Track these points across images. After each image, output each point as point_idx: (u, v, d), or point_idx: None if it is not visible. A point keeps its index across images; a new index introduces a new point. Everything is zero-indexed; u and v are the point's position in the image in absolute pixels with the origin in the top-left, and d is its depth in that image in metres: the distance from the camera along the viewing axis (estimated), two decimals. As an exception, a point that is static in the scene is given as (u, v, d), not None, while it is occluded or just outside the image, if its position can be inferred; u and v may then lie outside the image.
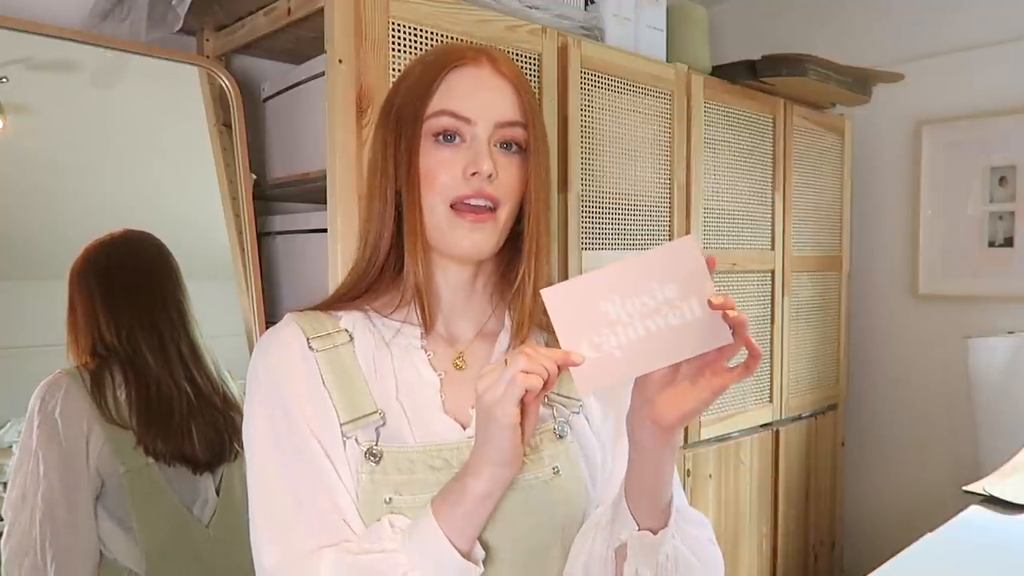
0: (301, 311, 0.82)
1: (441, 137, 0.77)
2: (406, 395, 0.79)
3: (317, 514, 0.73)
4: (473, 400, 0.78)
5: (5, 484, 1.20)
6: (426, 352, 0.82)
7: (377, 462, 0.75)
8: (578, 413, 0.85)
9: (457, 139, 0.77)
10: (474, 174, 0.76)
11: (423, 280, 0.79)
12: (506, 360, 0.65)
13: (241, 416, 1.36)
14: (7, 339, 1.21)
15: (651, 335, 0.65)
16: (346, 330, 0.80)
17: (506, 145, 0.79)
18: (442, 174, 0.77)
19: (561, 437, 0.81)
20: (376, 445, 0.75)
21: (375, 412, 0.76)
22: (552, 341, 0.84)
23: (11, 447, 1.21)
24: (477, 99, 0.76)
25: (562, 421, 0.83)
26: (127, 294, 1.29)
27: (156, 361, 1.29)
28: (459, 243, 0.78)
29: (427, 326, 0.81)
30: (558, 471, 0.79)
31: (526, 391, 0.64)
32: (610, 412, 0.86)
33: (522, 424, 0.67)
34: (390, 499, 0.74)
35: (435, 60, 0.79)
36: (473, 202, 0.77)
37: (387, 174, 0.80)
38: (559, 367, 0.65)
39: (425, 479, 0.75)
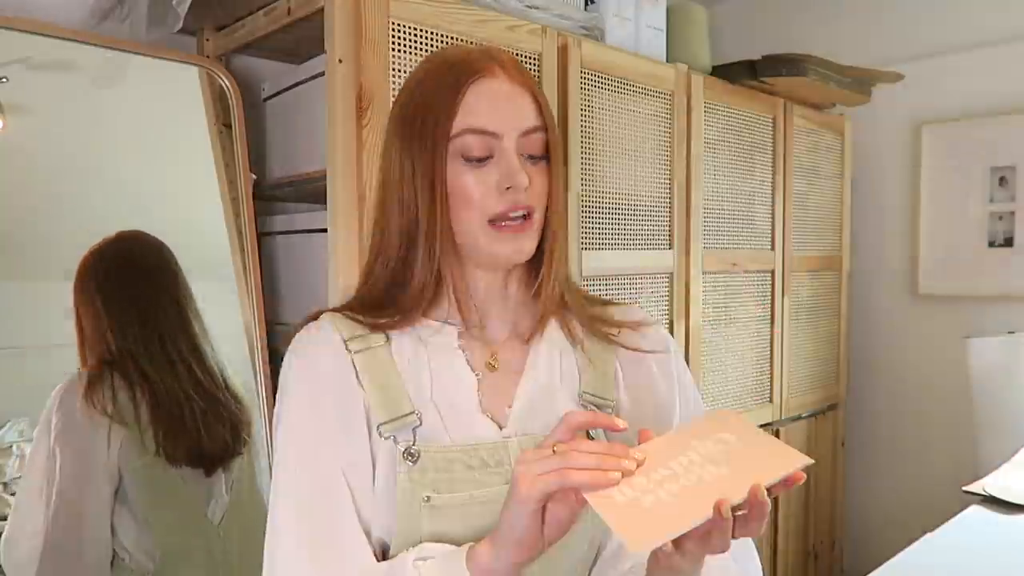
0: (337, 311, 0.83)
1: (474, 159, 0.77)
2: (442, 394, 0.79)
3: (333, 531, 0.73)
4: (509, 400, 0.81)
5: (4, 484, 1.20)
6: (463, 352, 0.82)
7: (415, 462, 0.75)
8: (612, 414, 0.84)
9: (487, 156, 0.77)
10: (508, 188, 0.76)
11: (461, 289, 0.81)
12: (554, 448, 0.64)
13: (242, 406, 1.38)
14: (7, 339, 1.21)
15: (695, 487, 0.62)
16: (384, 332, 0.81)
17: (532, 158, 0.79)
18: (477, 191, 0.76)
19: (593, 439, 0.79)
20: (414, 445, 0.76)
21: (412, 413, 0.77)
22: (595, 348, 0.86)
23: (12, 447, 1.21)
24: (500, 113, 0.76)
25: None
26: (128, 297, 1.29)
27: (162, 361, 1.29)
28: (501, 253, 0.78)
29: (466, 325, 0.82)
30: None
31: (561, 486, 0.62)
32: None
33: (548, 513, 0.65)
34: (428, 498, 0.75)
35: (448, 75, 0.77)
36: (513, 214, 0.77)
37: (412, 192, 0.78)
38: (598, 480, 0.62)
39: (463, 478, 0.76)
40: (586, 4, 1.57)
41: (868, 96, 2.14)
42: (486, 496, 0.76)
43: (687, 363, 1.80)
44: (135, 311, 1.29)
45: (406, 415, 0.77)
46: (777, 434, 2.08)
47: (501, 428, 0.79)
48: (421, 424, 0.77)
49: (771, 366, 2.04)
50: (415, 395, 0.78)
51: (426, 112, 0.76)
